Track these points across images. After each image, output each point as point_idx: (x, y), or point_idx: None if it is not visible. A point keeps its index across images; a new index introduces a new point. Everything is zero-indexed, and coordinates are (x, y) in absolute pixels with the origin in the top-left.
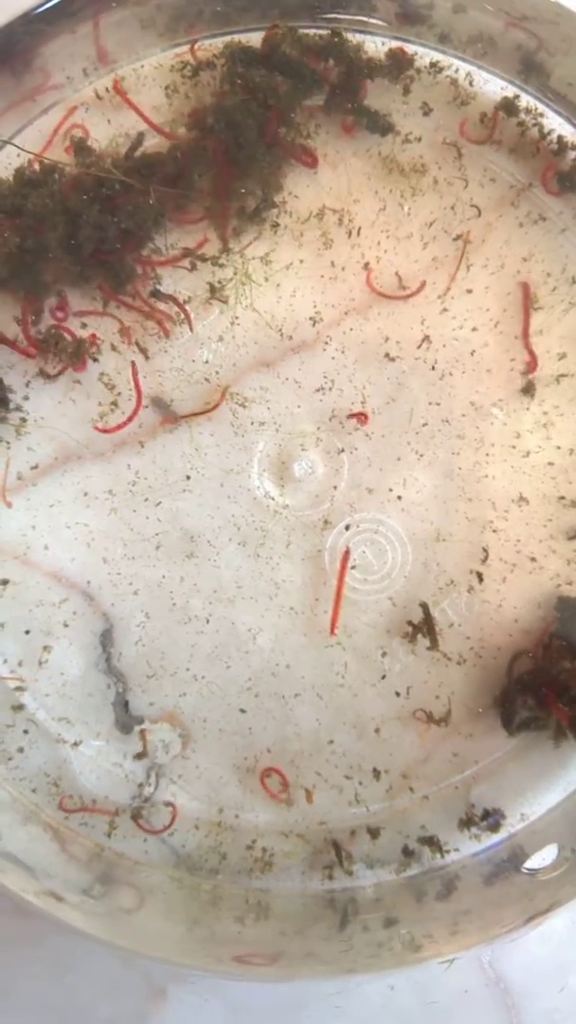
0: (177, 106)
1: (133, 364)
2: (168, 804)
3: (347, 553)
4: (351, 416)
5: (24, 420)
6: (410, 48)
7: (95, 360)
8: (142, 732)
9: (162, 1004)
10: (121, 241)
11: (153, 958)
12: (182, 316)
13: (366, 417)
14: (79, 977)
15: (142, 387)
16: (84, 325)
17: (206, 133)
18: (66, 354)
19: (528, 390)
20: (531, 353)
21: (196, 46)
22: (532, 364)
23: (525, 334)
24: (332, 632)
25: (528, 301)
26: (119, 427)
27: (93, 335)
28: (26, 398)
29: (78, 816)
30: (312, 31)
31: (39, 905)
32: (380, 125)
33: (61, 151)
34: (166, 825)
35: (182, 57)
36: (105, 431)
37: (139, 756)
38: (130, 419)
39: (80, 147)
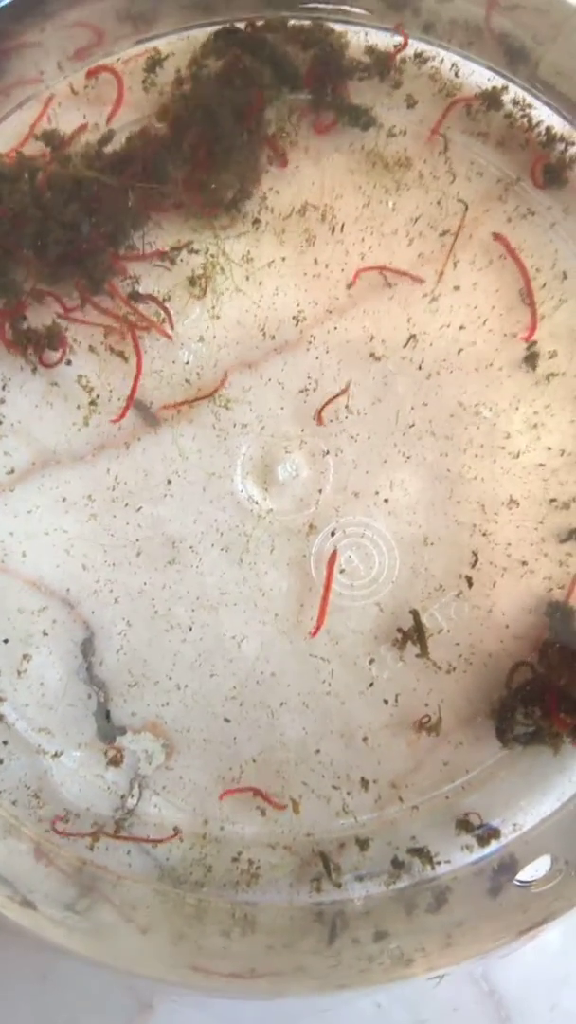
0: (155, 99)
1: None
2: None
3: (334, 554)
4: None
5: None
6: (395, 39)
7: (69, 363)
8: (115, 747)
9: (148, 1020)
10: (94, 239)
11: (137, 974)
12: (162, 316)
13: (346, 390)
14: (64, 993)
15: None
16: (61, 326)
17: (184, 124)
18: (38, 345)
19: (530, 360)
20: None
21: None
22: (532, 328)
23: (528, 288)
24: (314, 633)
25: (516, 253)
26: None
27: (63, 333)
28: (2, 401)
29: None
30: (294, 22)
31: (20, 922)
32: (361, 121)
33: (35, 147)
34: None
35: (160, 49)
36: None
37: (113, 762)
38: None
39: (50, 137)
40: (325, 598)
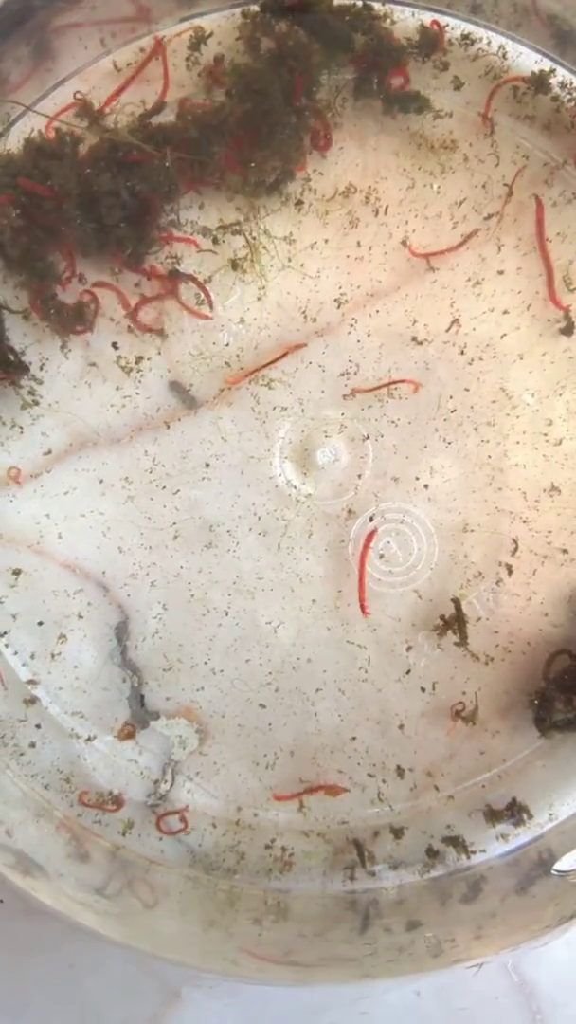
0: (197, 77)
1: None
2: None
3: (371, 533)
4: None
5: (37, 402)
6: (442, 20)
7: (115, 348)
8: (129, 726)
9: (176, 1007)
10: (136, 211)
11: (167, 960)
12: (201, 298)
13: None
14: (93, 981)
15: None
16: (90, 307)
17: (229, 101)
18: (68, 319)
19: (568, 331)
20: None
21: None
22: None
23: (542, 247)
24: (364, 613)
25: (541, 213)
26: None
27: (96, 298)
28: (40, 382)
29: (92, 813)
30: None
31: (51, 904)
32: (413, 107)
33: (76, 122)
34: (180, 828)
35: (204, 27)
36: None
37: (127, 735)
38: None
39: (86, 109)
40: (362, 575)
